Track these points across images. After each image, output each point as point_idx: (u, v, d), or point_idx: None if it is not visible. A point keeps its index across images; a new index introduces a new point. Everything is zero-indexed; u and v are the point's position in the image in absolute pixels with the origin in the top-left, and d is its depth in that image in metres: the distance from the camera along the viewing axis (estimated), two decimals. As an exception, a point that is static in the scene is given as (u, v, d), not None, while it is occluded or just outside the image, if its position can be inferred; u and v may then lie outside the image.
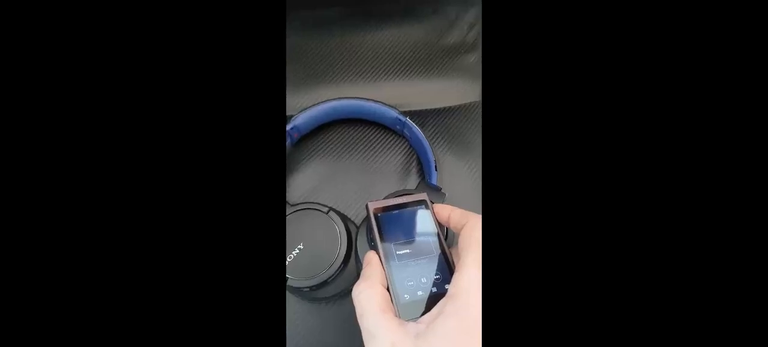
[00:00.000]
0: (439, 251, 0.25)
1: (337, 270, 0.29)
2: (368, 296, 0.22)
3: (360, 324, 0.21)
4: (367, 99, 0.37)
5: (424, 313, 0.22)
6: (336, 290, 0.30)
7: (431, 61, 0.41)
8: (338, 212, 0.30)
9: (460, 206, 0.33)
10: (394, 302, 0.23)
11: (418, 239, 0.26)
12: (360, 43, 0.42)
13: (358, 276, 0.30)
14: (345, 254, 0.29)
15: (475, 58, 0.42)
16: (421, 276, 0.24)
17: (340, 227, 0.29)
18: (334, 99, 0.36)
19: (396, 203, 0.28)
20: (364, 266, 0.25)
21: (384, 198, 0.29)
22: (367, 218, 0.27)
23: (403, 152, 0.38)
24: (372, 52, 0.41)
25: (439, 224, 0.27)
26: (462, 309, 0.20)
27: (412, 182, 0.37)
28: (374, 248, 0.26)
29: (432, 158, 0.33)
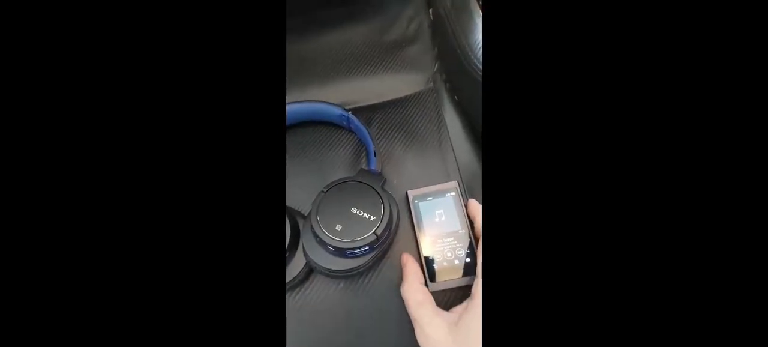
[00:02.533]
0: (464, 229, 0.34)
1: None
2: (410, 293, 0.30)
3: (409, 313, 0.29)
4: (313, 101, 0.39)
5: (451, 280, 0.32)
6: (287, 279, 0.32)
7: (375, 58, 0.44)
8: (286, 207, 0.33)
9: (405, 187, 0.37)
10: (425, 271, 0.33)
11: (447, 219, 0.35)
12: (309, 50, 0.44)
13: (306, 266, 0.32)
14: (289, 245, 0.31)
15: (415, 50, 0.44)
16: (447, 250, 0.33)
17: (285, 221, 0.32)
18: (287, 104, 0.39)
19: (431, 190, 0.36)
20: (403, 267, 0.32)
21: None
22: (408, 202, 0.36)
23: (351, 145, 0.40)
24: (319, 56, 0.44)
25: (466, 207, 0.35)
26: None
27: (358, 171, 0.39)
28: (415, 227, 0.35)
29: (372, 147, 0.36)
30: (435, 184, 0.36)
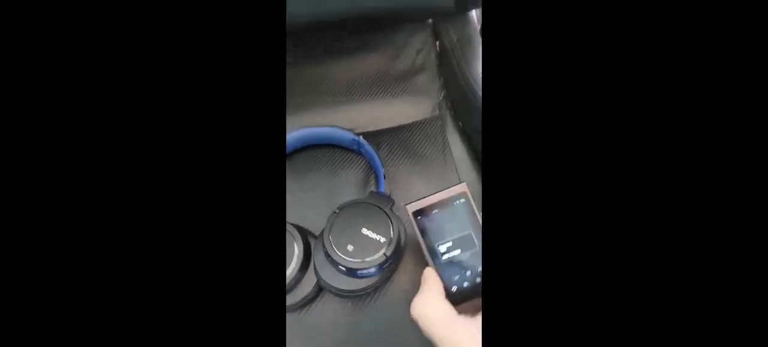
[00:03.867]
0: (480, 242, 0.31)
1: (294, 278, 0.32)
2: (428, 308, 0.28)
3: (430, 335, 0.28)
4: (326, 125, 0.42)
5: (470, 299, 0.30)
6: (297, 298, 0.33)
7: (384, 86, 0.46)
8: (297, 227, 0.34)
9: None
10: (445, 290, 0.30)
11: (458, 233, 0.31)
12: (321, 77, 0.47)
13: (317, 285, 0.34)
14: (301, 264, 0.33)
15: (423, 79, 0.47)
16: (466, 270, 0.30)
17: (297, 240, 0.33)
18: (297, 129, 0.41)
19: (433, 201, 0.31)
20: (422, 282, 0.30)
21: (421, 198, 0.31)
22: (410, 220, 0.31)
23: (361, 168, 0.42)
24: (331, 82, 0.47)
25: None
26: None
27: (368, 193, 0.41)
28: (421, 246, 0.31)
29: (381, 170, 0.38)
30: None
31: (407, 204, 0.31)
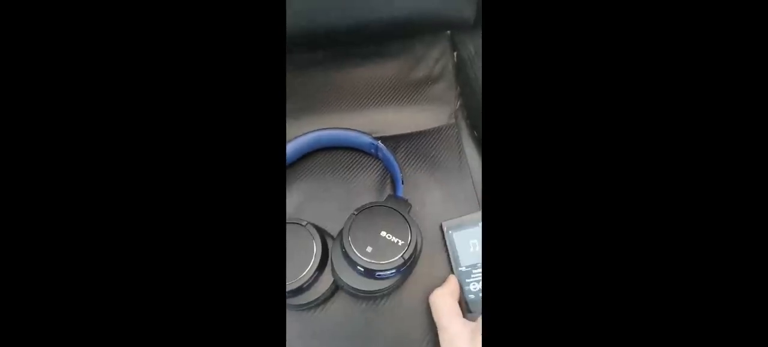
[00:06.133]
0: None
1: (312, 277, 0.33)
2: (443, 302, 0.33)
3: (436, 321, 0.32)
4: (345, 128, 0.42)
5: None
6: (313, 296, 0.34)
7: (402, 92, 0.47)
8: (316, 226, 0.35)
9: (428, 214, 0.39)
10: (463, 298, 0.35)
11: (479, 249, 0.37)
12: (342, 80, 0.48)
13: (333, 284, 0.34)
14: (319, 263, 0.33)
15: (441, 88, 0.48)
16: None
17: (315, 239, 0.34)
18: (317, 130, 0.42)
19: (464, 220, 0.38)
20: (447, 282, 0.35)
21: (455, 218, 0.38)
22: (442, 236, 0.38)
23: (378, 172, 0.43)
24: (352, 86, 0.47)
25: None
26: None
27: (385, 196, 0.41)
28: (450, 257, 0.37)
29: (399, 175, 0.38)
30: (461, 212, 0.38)
31: (443, 222, 0.38)
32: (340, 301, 0.36)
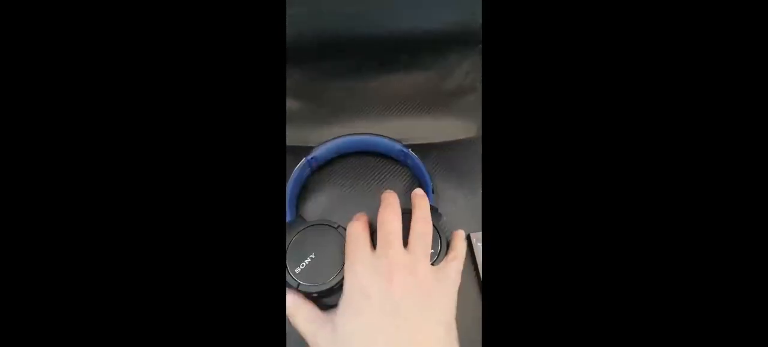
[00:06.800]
0: None
1: (342, 279, 0.33)
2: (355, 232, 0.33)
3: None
4: (376, 134, 0.43)
5: None
6: (338, 300, 0.34)
7: (433, 101, 0.48)
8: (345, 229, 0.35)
9: (457, 224, 0.40)
10: None
11: None
12: (375, 88, 0.49)
13: None
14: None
15: (471, 100, 0.48)
16: None
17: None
18: (348, 134, 0.43)
19: None
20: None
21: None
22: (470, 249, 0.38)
23: (406, 179, 0.43)
24: (384, 94, 0.48)
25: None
26: None
27: (414, 204, 0.42)
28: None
29: (430, 184, 0.39)
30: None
31: (471, 233, 0.39)
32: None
